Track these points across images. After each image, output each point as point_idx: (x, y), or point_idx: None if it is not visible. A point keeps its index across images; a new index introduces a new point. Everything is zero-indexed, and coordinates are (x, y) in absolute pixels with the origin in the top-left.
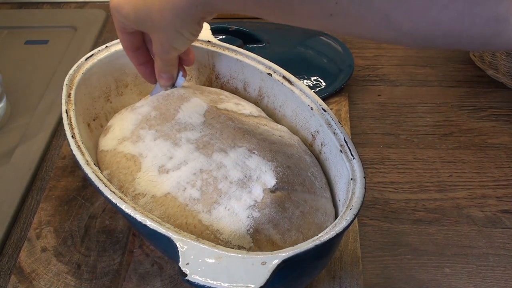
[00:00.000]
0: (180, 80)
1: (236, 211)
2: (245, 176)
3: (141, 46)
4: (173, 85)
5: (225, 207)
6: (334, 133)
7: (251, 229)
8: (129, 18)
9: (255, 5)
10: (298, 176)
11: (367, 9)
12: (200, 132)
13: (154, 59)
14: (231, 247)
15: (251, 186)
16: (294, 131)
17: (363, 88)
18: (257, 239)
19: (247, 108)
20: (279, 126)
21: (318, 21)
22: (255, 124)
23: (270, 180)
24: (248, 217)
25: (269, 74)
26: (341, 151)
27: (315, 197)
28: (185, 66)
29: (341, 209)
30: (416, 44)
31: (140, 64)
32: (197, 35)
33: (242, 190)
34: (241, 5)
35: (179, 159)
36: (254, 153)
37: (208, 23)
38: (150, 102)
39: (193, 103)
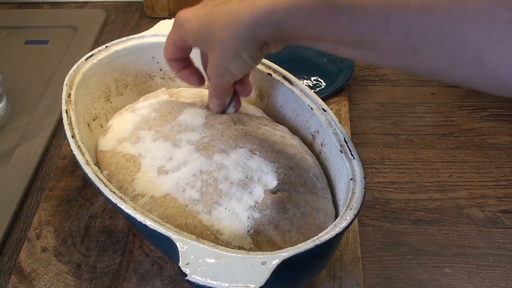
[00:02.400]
0: (230, 110)
1: (236, 212)
2: (246, 177)
3: (185, 58)
4: (222, 112)
5: (226, 208)
6: (334, 133)
7: (251, 230)
8: (190, 33)
9: (334, 33)
10: (300, 177)
11: (458, 46)
12: (201, 133)
13: (209, 82)
14: (231, 248)
15: (252, 187)
16: (294, 131)
17: (363, 88)
18: (257, 240)
19: (248, 109)
20: (280, 126)
21: (399, 57)
22: (257, 124)
23: (271, 181)
24: (248, 218)
25: (269, 74)
26: (341, 151)
27: (316, 198)
28: (240, 98)
29: (341, 209)
30: (509, 92)
31: (180, 70)
32: (257, 63)
33: (243, 191)
34: (316, 33)
35: (179, 160)
36: (255, 153)
37: None
38: (150, 105)
39: (195, 107)
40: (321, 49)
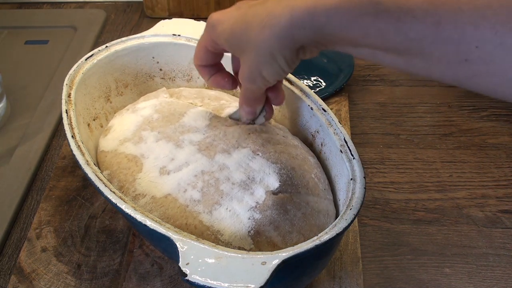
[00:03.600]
0: (261, 119)
1: (237, 213)
2: (248, 178)
3: (215, 64)
4: (252, 121)
5: (226, 208)
6: (334, 133)
7: (252, 231)
8: (222, 36)
9: (378, 38)
10: (302, 178)
11: None
12: (204, 134)
13: (240, 87)
14: (231, 249)
15: (253, 188)
16: (294, 131)
17: (363, 88)
18: (257, 241)
19: None
20: (280, 126)
21: (447, 68)
22: (258, 126)
23: (273, 183)
24: (249, 218)
25: None
26: (341, 151)
27: (318, 199)
28: (273, 106)
29: (341, 209)
30: None
31: (211, 76)
32: (292, 69)
33: (244, 192)
34: (358, 38)
35: (181, 161)
36: (258, 154)
37: None
38: (152, 105)
39: (198, 109)
40: (359, 56)
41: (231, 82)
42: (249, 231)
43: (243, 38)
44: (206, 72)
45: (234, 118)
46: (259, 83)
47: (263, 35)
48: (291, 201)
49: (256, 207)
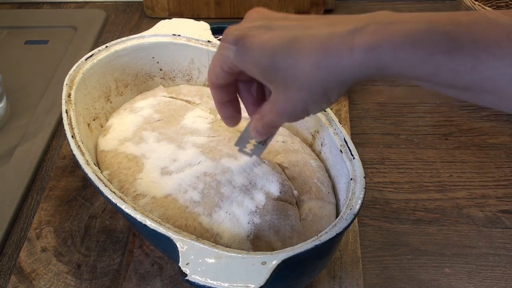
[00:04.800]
0: (270, 141)
1: (237, 216)
2: (250, 183)
3: (232, 84)
4: (263, 143)
5: (226, 212)
6: (334, 133)
7: (251, 235)
8: (255, 64)
9: (449, 77)
10: (304, 185)
11: None
12: (207, 137)
13: (262, 113)
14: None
15: (254, 193)
16: (294, 131)
17: (363, 88)
18: (257, 245)
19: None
20: (280, 129)
21: None
22: None
23: (274, 191)
24: (249, 222)
25: None
26: (341, 151)
27: (322, 203)
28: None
29: (341, 209)
30: None
31: (221, 103)
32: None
33: (245, 196)
34: (426, 76)
35: (184, 162)
36: (264, 162)
37: (208, 23)
38: (151, 105)
39: (197, 113)
40: (420, 85)
41: (236, 121)
42: (248, 235)
43: (288, 72)
44: (218, 94)
45: (241, 146)
46: (300, 117)
47: (319, 75)
48: (292, 207)
49: (256, 211)
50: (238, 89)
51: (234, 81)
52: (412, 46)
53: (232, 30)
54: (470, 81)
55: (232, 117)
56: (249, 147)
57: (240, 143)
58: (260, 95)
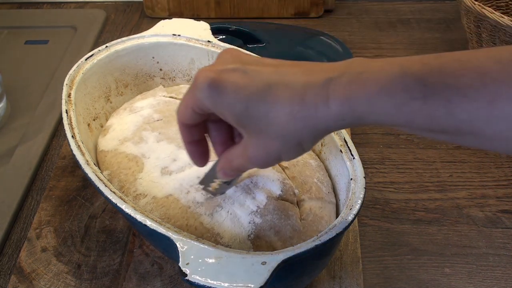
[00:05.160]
0: (236, 181)
1: (238, 216)
2: (251, 182)
3: (201, 124)
4: (229, 182)
5: (228, 211)
6: (334, 133)
7: (252, 235)
8: (229, 110)
9: (425, 122)
10: (304, 185)
11: None
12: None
13: (232, 157)
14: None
15: (255, 192)
16: None
17: None
18: (257, 245)
19: None
20: None
21: (502, 143)
22: None
23: (276, 190)
24: (249, 222)
25: None
26: (341, 151)
27: (322, 203)
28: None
29: (341, 209)
30: None
31: (190, 142)
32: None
33: (246, 196)
34: (402, 123)
35: (184, 162)
36: None
37: (208, 23)
38: (150, 105)
39: None
40: (398, 129)
41: (204, 162)
42: (249, 235)
43: (262, 120)
44: (187, 133)
45: (205, 184)
46: (270, 165)
47: (294, 125)
48: (293, 207)
49: (257, 211)
50: (207, 128)
51: (203, 121)
52: (386, 95)
53: (206, 71)
54: (447, 125)
55: (200, 157)
56: (213, 186)
57: (205, 181)
58: (228, 135)
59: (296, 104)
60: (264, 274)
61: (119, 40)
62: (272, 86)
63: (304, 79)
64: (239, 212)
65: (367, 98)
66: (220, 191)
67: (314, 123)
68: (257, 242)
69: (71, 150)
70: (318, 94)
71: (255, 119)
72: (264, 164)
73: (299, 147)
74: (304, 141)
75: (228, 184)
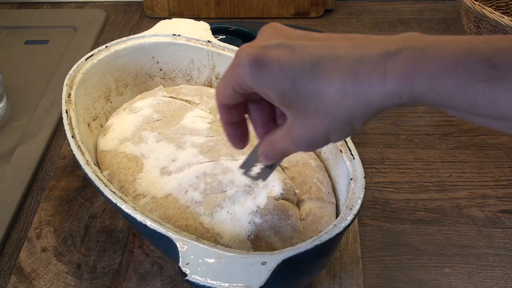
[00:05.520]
0: (278, 164)
1: (238, 216)
2: (252, 182)
3: (241, 104)
4: (271, 166)
5: (228, 211)
6: None
7: (251, 235)
8: (274, 89)
9: (488, 108)
10: (304, 185)
11: None
12: (206, 137)
13: (274, 139)
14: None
15: (256, 192)
16: None
17: None
18: (257, 245)
19: None
20: None
21: None
22: None
23: (276, 189)
24: (249, 222)
25: None
26: (341, 151)
27: (322, 203)
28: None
29: (341, 209)
30: None
31: (229, 123)
32: None
33: (247, 196)
34: (466, 106)
35: (183, 162)
36: None
37: (208, 23)
38: (150, 105)
39: (197, 113)
40: (453, 114)
41: (244, 145)
42: (248, 235)
43: (310, 98)
44: (226, 115)
45: (246, 168)
46: (317, 148)
47: (346, 103)
48: (293, 207)
49: (257, 211)
50: (247, 109)
51: (244, 102)
52: (450, 74)
53: (247, 48)
54: (510, 112)
55: (240, 140)
56: (255, 170)
57: (246, 165)
58: (270, 117)
59: (348, 80)
60: (264, 274)
61: (119, 40)
62: (321, 61)
63: (356, 53)
64: (239, 212)
65: (429, 76)
66: (262, 176)
67: (367, 99)
68: (257, 242)
69: (71, 150)
70: (373, 70)
71: (302, 97)
72: (310, 146)
73: (349, 126)
74: (355, 119)
75: (270, 168)
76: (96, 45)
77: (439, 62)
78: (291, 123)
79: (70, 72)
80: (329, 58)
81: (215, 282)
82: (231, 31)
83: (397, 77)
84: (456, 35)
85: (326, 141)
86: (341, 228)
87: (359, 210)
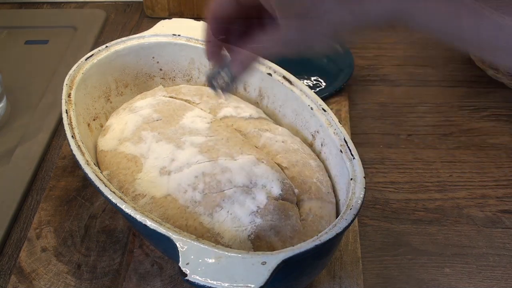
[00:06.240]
0: (238, 80)
1: (238, 216)
2: (251, 182)
3: (229, 21)
4: (232, 79)
5: (228, 211)
6: (334, 133)
7: (252, 235)
8: None
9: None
10: (304, 184)
11: None
12: (205, 137)
13: (261, 42)
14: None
15: (255, 192)
16: (294, 131)
17: (363, 88)
18: (258, 245)
19: (247, 110)
20: (280, 129)
21: None
22: (257, 131)
23: (275, 190)
24: (250, 222)
25: (269, 74)
26: (341, 151)
27: (321, 203)
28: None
29: (341, 209)
30: None
31: (211, 41)
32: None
33: (246, 196)
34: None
35: (182, 162)
36: (262, 162)
37: None
38: (150, 105)
39: (197, 112)
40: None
41: (221, 60)
42: (249, 235)
43: (309, 4)
44: (214, 28)
45: (211, 77)
46: (299, 51)
47: (340, 14)
48: (293, 207)
49: (257, 211)
50: (228, 31)
51: (230, 21)
52: None
53: None
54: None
55: (218, 56)
56: (220, 82)
57: (212, 75)
58: (250, 38)
59: None
60: (264, 274)
61: (119, 40)
62: None
63: None
64: (239, 212)
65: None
66: (224, 87)
67: (362, 13)
68: (257, 242)
69: (71, 150)
70: None
71: (301, 2)
72: (295, 46)
73: (337, 35)
74: (347, 32)
75: (231, 82)
76: (96, 45)
77: None
78: (281, 24)
79: (70, 72)
80: None
81: (215, 282)
82: None
83: None
84: None
85: (311, 47)
86: (341, 228)
87: (359, 210)
